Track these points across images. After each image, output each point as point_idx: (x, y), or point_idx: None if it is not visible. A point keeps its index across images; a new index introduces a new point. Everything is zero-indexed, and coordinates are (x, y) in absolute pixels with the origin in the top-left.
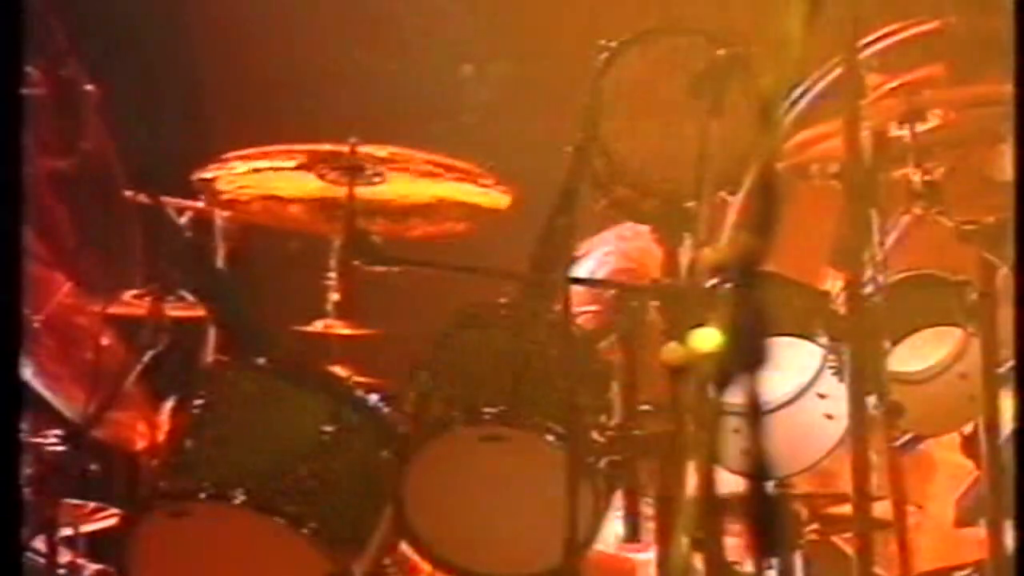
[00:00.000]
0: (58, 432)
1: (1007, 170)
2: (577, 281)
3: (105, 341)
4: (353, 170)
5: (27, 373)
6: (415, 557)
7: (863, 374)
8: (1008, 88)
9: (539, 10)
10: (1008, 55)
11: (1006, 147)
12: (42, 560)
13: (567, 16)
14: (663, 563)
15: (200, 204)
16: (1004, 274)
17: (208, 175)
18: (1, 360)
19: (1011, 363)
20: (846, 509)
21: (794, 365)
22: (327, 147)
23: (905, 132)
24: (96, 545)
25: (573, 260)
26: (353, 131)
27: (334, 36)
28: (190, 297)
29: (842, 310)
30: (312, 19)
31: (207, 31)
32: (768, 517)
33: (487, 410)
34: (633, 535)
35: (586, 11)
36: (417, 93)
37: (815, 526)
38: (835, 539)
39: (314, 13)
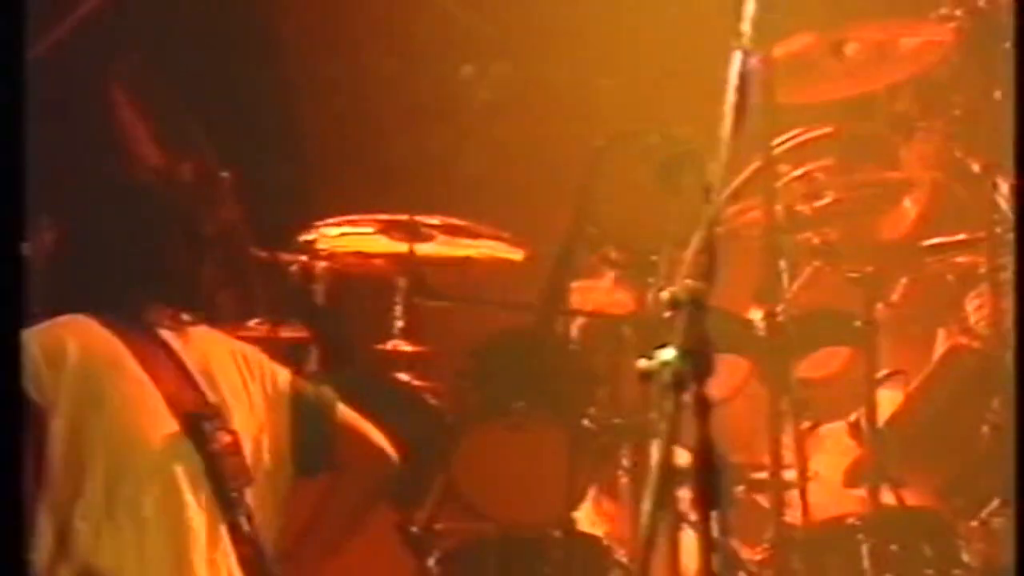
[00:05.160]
0: None
1: (891, 232)
2: (574, 312)
3: None
4: (412, 233)
5: None
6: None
7: (778, 380)
8: (889, 174)
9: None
10: (884, 146)
11: (885, 217)
12: None
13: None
14: (635, 517)
15: (304, 258)
16: (880, 308)
17: (309, 237)
18: (2, 361)
19: (885, 371)
20: (765, 475)
21: (728, 373)
22: (393, 217)
23: (806, 207)
24: None
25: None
26: (413, 199)
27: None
28: (297, 324)
29: (763, 334)
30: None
31: (317, 121)
32: (710, 481)
33: (512, 406)
34: (612, 493)
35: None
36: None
37: (742, 487)
38: (757, 496)
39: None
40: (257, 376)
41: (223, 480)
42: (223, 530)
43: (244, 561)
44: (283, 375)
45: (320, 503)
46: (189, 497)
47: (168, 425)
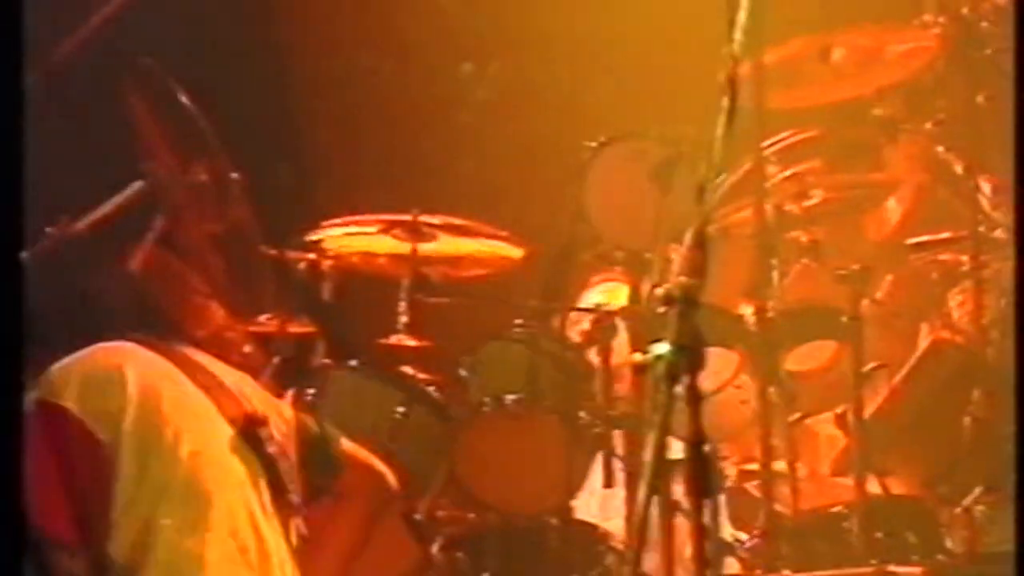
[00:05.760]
0: None
1: (876, 231)
2: (571, 308)
3: (247, 349)
4: (415, 233)
5: None
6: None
7: (767, 372)
8: (875, 175)
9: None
10: (871, 148)
11: (871, 216)
12: None
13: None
14: (630, 503)
15: (311, 256)
16: (866, 304)
17: (316, 236)
18: (3, 360)
19: (871, 365)
20: (755, 465)
21: (719, 367)
22: (397, 217)
23: (795, 207)
24: None
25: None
26: (415, 200)
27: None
28: (305, 319)
29: (753, 328)
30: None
31: (316, 131)
32: (702, 470)
33: (509, 397)
34: (608, 482)
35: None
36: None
37: (733, 476)
38: (747, 486)
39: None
40: (269, 403)
41: (281, 483)
42: (285, 532)
43: (302, 563)
44: (287, 408)
45: (325, 528)
46: (254, 498)
47: (225, 431)
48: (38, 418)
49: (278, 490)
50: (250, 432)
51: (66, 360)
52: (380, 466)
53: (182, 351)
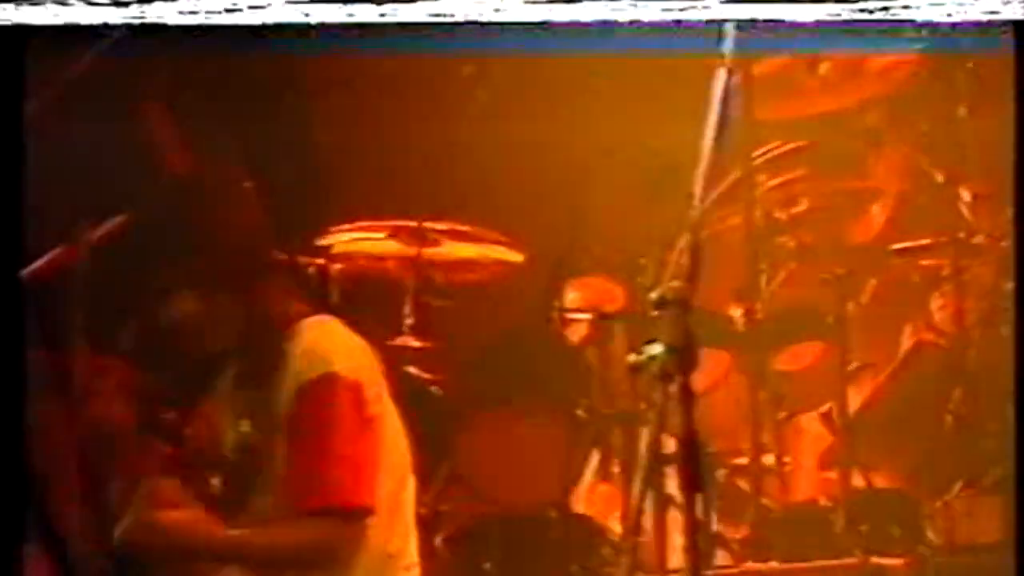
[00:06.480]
0: None
1: (861, 236)
2: (570, 310)
3: None
4: (420, 238)
5: None
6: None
7: (757, 372)
8: (859, 183)
9: None
10: (855, 158)
11: (856, 223)
12: None
13: None
14: (626, 499)
15: (320, 260)
16: (851, 306)
17: (326, 241)
18: (5, 354)
19: (855, 365)
20: (744, 460)
21: (711, 367)
22: (403, 223)
23: (783, 213)
24: None
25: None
26: (420, 207)
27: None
28: None
29: (742, 329)
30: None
31: (324, 138)
32: (695, 466)
33: (512, 396)
34: (605, 477)
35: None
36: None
37: (724, 471)
38: (737, 480)
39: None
40: None
41: None
42: None
43: None
44: None
45: None
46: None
47: None
48: (342, 390)
49: None
50: None
51: (312, 338)
52: None
53: None
